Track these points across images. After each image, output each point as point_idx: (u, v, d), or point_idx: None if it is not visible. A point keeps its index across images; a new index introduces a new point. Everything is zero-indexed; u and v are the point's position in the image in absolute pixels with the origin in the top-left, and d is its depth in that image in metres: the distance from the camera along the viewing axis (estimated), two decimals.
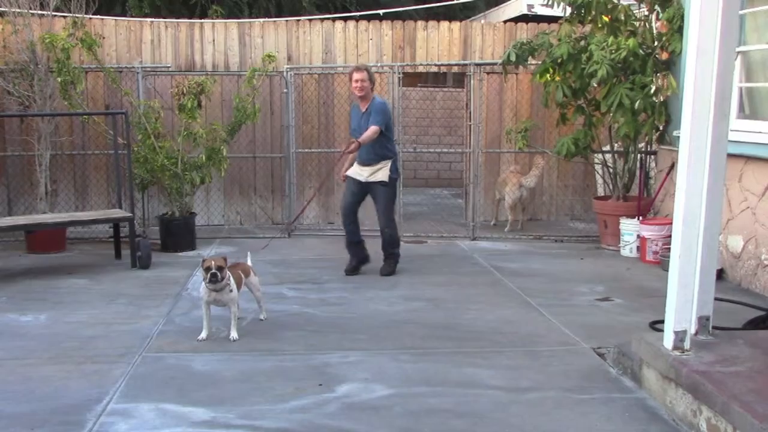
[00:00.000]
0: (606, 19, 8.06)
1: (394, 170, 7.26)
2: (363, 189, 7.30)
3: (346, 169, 7.37)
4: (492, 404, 4.14)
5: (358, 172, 7.25)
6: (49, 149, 8.77)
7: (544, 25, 9.61)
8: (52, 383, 4.45)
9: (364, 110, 7.14)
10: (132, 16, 12.15)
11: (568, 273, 7.36)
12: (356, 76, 7.06)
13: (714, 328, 4.35)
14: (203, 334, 5.28)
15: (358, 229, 7.44)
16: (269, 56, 9.04)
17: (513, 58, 8.41)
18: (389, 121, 7.21)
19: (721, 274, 6.74)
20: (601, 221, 8.66)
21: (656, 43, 8.05)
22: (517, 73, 9.75)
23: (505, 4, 12.74)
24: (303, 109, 9.92)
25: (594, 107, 8.44)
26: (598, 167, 9.56)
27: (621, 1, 8.11)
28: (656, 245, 7.66)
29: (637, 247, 7.94)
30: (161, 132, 8.72)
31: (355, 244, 7.44)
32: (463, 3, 13.92)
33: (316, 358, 4.89)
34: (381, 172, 7.18)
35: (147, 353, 4.98)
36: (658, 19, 8.11)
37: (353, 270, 7.35)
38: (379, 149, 7.11)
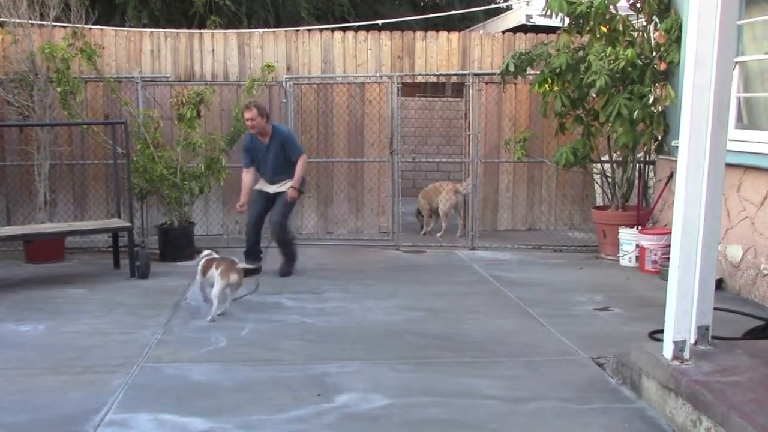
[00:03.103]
0: (604, 29, 8.09)
1: (301, 183, 7.67)
2: (270, 199, 7.69)
3: (244, 202, 7.66)
4: (491, 414, 4.13)
5: (267, 186, 7.70)
6: (48, 159, 8.78)
7: (542, 36, 9.64)
8: (50, 393, 4.43)
9: (267, 142, 7.54)
10: (131, 27, 12.18)
11: (567, 283, 7.35)
12: (246, 115, 7.48)
13: (713, 337, 4.35)
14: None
15: (260, 239, 7.83)
16: (268, 66, 9.06)
17: (512, 68, 8.43)
18: (303, 156, 7.63)
19: (720, 284, 6.74)
20: (600, 231, 8.66)
21: (654, 54, 8.08)
22: (515, 83, 9.77)
23: (504, 14, 12.80)
24: (302, 119, 9.93)
25: (592, 117, 8.45)
26: (596, 177, 9.56)
27: (619, 12, 8.14)
28: (655, 255, 7.66)
29: (636, 256, 7.94)
30: (160, 142, 8.73)
31: (257, 252, 7.81)
32: (462, 13, 13.99)
33: (314, 368, 4.88)
34: (285, 185, 7.57)
35: (145, 363, 4.96)
36: (656, 29, 8.14)
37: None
38: (287, 170, 7.55)
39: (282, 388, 4.50)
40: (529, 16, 11.24)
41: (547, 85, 8.38)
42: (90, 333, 5.65)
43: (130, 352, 5.16)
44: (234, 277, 6.09)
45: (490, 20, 13.81)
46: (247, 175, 7.65)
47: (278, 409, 4.19)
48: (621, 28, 8.06)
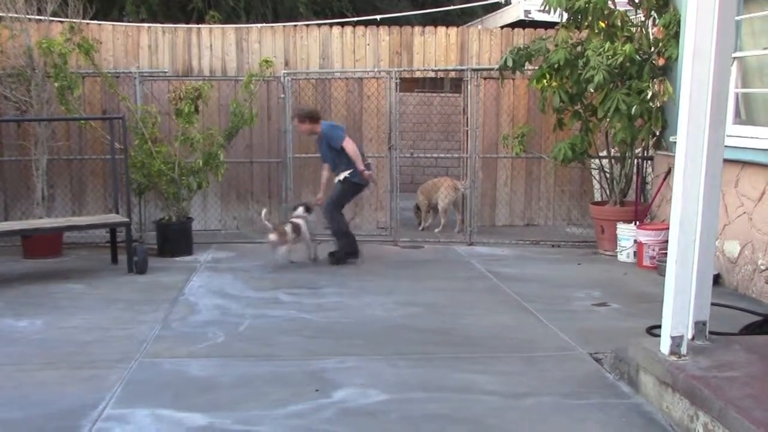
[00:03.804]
0: (602, 24, 8.08)
1: (353, 175, 7.97)
2: None
3: (320, 197, 8.35)
4: (489, 410, 4.14)
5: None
6: (45, 154, 8.77)
7: (541, 31, 9.65)
8: (47, 388, 4.43)
9: (320, 140, 8.14)
10: (129, 22, 12.15)
11: (565, 278, 7.36)
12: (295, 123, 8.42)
13: (711, 333, 4.36)
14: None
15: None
16: (266, 61, 9.05)
17: (510, 63, 8.42)
18: (345, 141, 7.90)
19: (717, 280, 6.74)
20: (598, 226, 8.66)
21: (653, 49, 8.07)
22: (514, 79, 9.74)
23: (502, 9, 12.78)
24: None
25: (591, 113, 8.45)
26: (595, 172, 9.57)
27: (617, 7, 8.13)
28: (653, 250, 7.66)
29: (634, 252, 7.95)
30: (158, 137, 8.72)
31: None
32: (460, 8, 13.96)
33: (312, 363, 4.88)
34: (341, 175, 8.05)
35: (143, 358, 4.96)
36: (654, 24, 8.14)
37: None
38: (341, 162, 7.99)
39: (280, 384, 4.51)
40: (527, 12, 11.22)
41: (545, 81, 8.38)
42: (88, 328, 5.65)
43: (128, 348, 5.16)
44: (270, 237, 7.65)
45: (489, 15, 13.78)
46: (324, 171, 8.30)
47: (276, 404, 4.20)
48: (619, 24, 8.05)
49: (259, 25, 10.41)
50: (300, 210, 8.12)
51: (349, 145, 7.88)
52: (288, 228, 7.79)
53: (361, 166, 7.89)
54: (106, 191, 9.55)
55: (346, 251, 8.07)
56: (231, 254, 8.53)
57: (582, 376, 4.65)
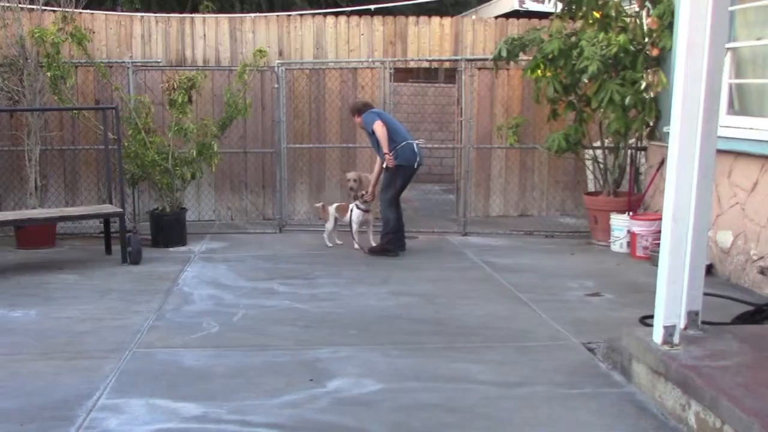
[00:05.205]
0: (597, 15, 8.08)
1: (394, 157, 7.77)
2: None
3: (374, 183, 8.26)
4: (482, 399, 4.16)
5: None
6: (38, 144, 8.73)
7: (535, 21, 9.65)
8: (42, 379, 4.43)
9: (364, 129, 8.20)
10: (122, 11, 12.10)
11: (559, 268, 7.38)
12: None
13: (703, 322, 4.37)
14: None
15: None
16: (260, 51, 9.02)
17: (504, 53, 8.42)
18: (374, 124, 7.75)
19: (710, 270, 6.77)
20: (591, 217, 8.68)
21: (647, 40, 8.07)
22: (508, 69, 9.75)
23: None
24: (294, 105, 9.91)
25: (585, 103, 8.45)
26: (588, 163, 9.58)
27: None
28: (646, 240, 7.69)
29: (627, 242, 7.97)
30: (152, 127, 8.69)
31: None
32: None
33: (306, 353, 4.90)
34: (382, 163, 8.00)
35: (137, 349, 4.97)
36: (648, 15, 8.12)
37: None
38: (380, 150, 7.87)
39: (274, 373, 4.52)
40: (521, 2, 11.21)
41: (539, 71, 8.37)
42: (82, 319, 5.65)
43: (123, 338, 5.16)
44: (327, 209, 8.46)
45: (483, 5, 13.75)
46: (376, 165, 8.27)
47: (271, 394, 4.21)
48: (613, 14, 8.05)
49: (252, 14, 10.38)
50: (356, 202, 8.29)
51: (378, 128, 7.69)
52: (332, 209, 8.37)
53: (386, 149, 7.68)
54: (100, 181, 9.53)
55: (382, 248, 7.97)
56: (225, 244, 8.53)
57: (575, 366, 4.67)
